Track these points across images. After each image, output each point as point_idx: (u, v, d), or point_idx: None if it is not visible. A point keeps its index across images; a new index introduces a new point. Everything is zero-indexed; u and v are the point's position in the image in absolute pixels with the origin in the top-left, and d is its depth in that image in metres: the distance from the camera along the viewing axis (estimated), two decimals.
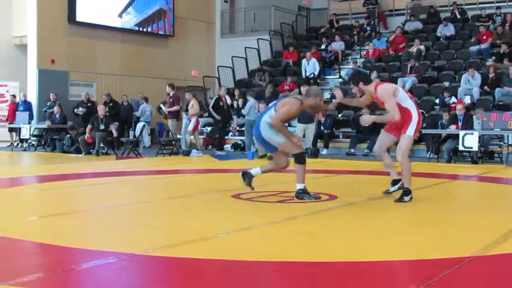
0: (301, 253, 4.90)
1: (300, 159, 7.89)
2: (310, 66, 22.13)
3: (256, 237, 5.63)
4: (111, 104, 19.99)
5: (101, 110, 17.52)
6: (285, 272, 4.39)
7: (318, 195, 7.99)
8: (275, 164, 8.27)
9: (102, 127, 17.07)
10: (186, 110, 17.56)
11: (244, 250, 4.93)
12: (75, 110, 20.03)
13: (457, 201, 8.67)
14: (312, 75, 21.97)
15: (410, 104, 7.82)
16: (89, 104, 20.07)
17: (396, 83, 19.23)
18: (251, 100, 17.99)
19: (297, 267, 4.48)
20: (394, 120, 7.75)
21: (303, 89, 15.00)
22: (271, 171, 8.32)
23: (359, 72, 13.26)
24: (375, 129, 16.49)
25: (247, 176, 8.11)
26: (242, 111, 18.94)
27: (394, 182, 8.24)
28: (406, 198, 7.72)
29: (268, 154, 15.61)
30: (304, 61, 22.49)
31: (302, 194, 7.86)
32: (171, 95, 17.81)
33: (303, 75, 22.23)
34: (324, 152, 17.42)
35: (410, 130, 7.73)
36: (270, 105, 8.27)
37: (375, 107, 11.05)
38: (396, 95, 7.76)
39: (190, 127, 17.14)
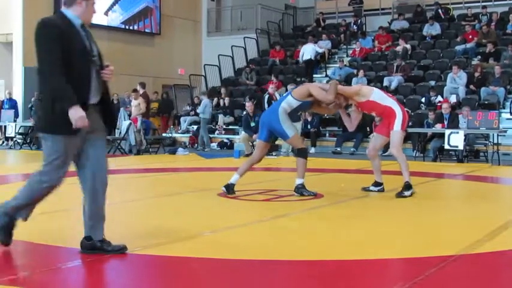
0: (289, 252, 4.91)
1: (303, 153, 8.14)
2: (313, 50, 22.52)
3: (242, 235, 5.63)
4: None
5: None
6: (273, 270, 4.39)
7: (314, 192, 8.07)
8: (251, 159, 8.41)
9: None
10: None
11: (231, 249, 4.93)
12: None
13: (443, 200, 8.71)
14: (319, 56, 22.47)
15: (390, 102, 8.17)
16: None
17: (382, 82, 19.40)
18: (205, 99, 18.58)
19: (285, 266, 4.49)
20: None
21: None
22: (248, 170, 8.38)
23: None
24: (361, 128, 16.59)
25: (230, 188, 8.15)
26: (197, 109, 19.00)
27: (376, 184, 8.50)
28: (406, 193, 7.98)
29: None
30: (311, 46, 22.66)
31: (302, 189, 8.00)
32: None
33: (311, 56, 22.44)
34: (312, 150, 17.43)
35: (397, 125, 8.05)
36: (285, 93, 8.57)
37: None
38: (369, 95, 8.12)
39: (139, 126, 17.01)
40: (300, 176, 8.10)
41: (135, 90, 17.74)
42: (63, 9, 4.56)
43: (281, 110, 7.98)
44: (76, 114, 4.29)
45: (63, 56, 4.31)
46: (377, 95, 8.18)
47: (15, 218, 4.70)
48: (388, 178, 8.80)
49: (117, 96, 21.26)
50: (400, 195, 7.96)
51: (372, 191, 8.48)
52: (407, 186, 8.02)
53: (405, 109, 8.49)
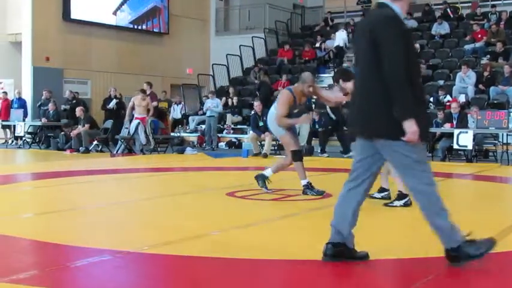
0: (296, 251, 4.91)
1: (295, 156, 8.04)
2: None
3: (250, 235, 5.63)
4: (118, 100, 20.12)
5: (79, 111, 17.65)
6: (280, 269, 4.39)
7: (322, 191, 8.04)
8: (284, 159, 8.41)
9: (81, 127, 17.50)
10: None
11: (238, 248, 4.93)
12: (62, 106, 20.02)
13: (451, 200, 8.65)
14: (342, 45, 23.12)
15: None
16: (74, 102, 19.95)
17: None
18: (215, 99, 19.34)
19: (292, 265, 4.49)
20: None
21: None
22: (282, 169, 8.42)
23: (340, 69, 13.33)
24: None
25: (260, 178, 8.29)
26: (207, 104, 19.28)
27: (381, 190, 8.14)
28: (397, 203, 7.35)
29: (263, 152, 15.67)
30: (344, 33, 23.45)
31: (306, 190, 8.03)
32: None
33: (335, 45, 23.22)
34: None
35: None
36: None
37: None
38: None
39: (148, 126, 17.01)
40: (302, 177, 8.11)
41: (143, 91, 17.50)
42: (389, 2, 4.16)
43: (270, 114, 8.20)
44: (412, 128, 4.02)
45: (405, 57, 4.01)
46: None
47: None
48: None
49: (121, 96, 21.22)
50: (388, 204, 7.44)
51: (376, 198, 7.84)
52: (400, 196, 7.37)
53: None
